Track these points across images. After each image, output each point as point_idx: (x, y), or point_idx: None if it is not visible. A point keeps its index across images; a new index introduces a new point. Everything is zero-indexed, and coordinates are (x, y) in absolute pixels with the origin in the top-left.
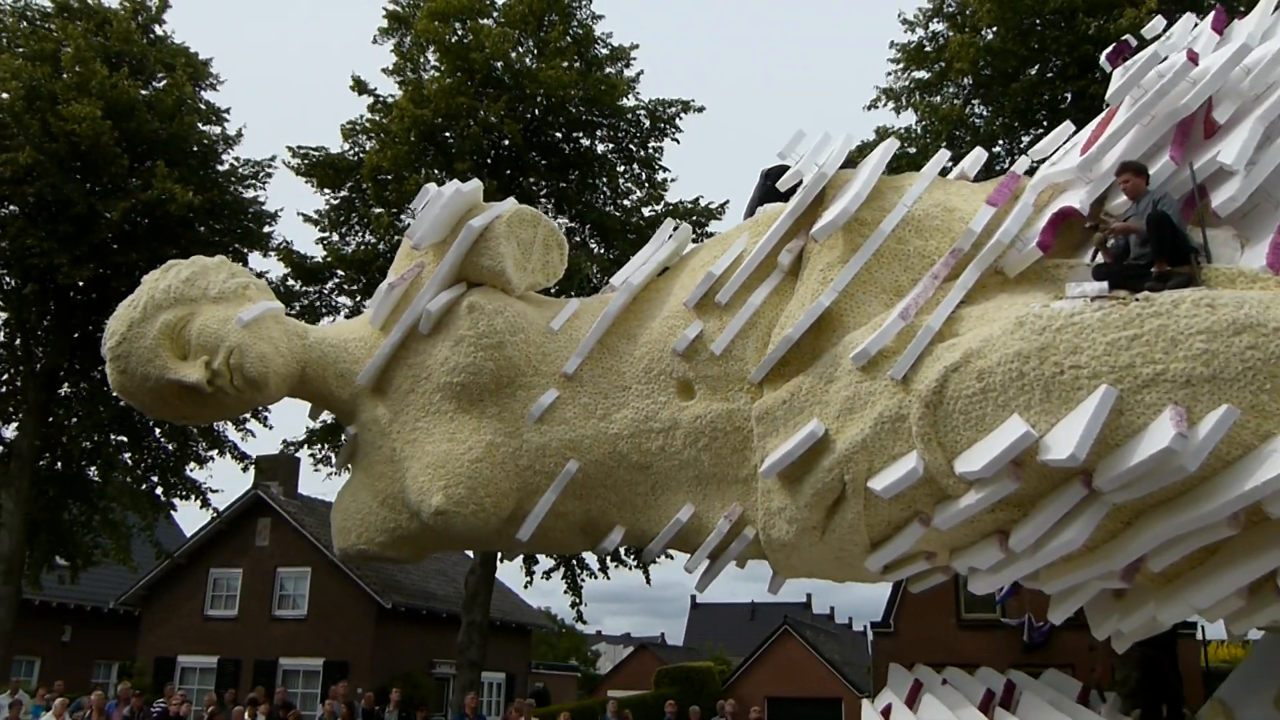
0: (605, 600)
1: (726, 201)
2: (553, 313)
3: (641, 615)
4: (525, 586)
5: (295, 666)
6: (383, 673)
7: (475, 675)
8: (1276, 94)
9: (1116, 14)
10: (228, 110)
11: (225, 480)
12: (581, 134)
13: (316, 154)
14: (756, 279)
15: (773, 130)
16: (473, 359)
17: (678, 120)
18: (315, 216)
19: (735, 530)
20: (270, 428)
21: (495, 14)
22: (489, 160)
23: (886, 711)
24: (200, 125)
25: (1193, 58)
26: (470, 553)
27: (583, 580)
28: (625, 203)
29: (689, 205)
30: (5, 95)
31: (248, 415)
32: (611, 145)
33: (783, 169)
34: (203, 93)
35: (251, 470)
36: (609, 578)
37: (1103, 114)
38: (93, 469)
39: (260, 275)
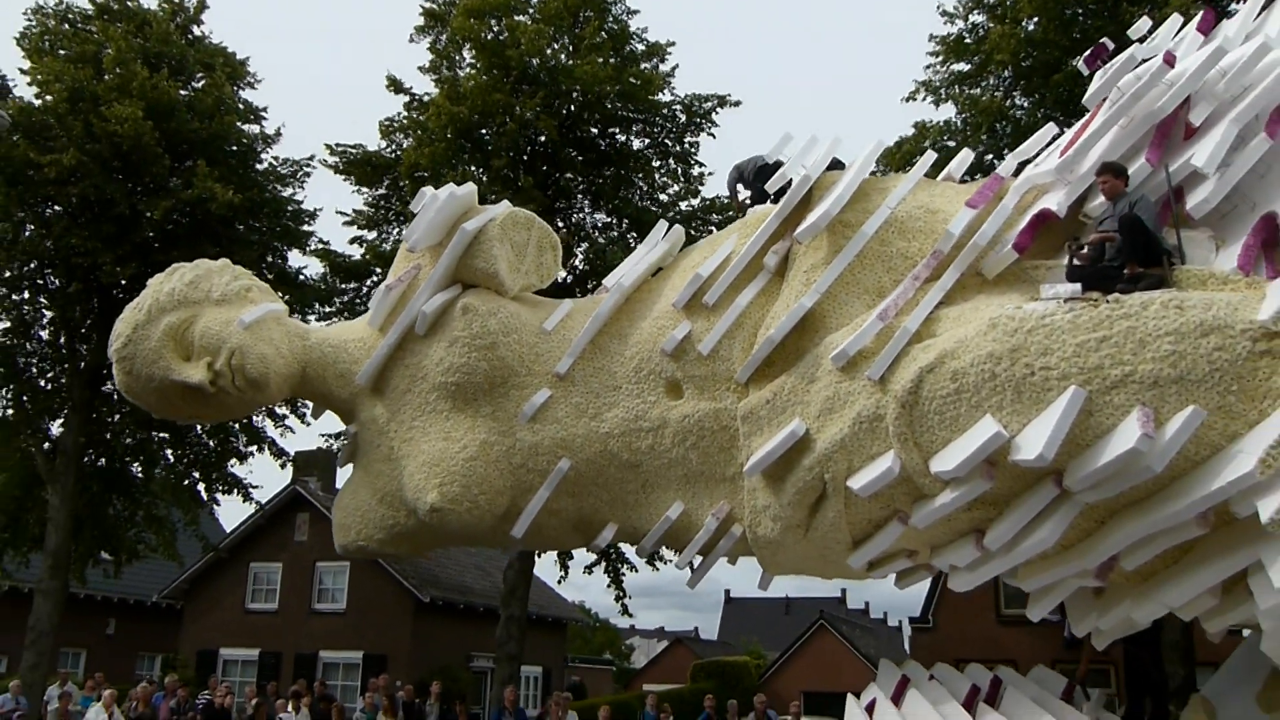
0: (638, 594)
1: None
2: (546, 313)
3: (675, 609)
4: (560, 582)
5: (335, 659)
6: (421, 666)
7: (514, 669)
8: (1251, 96)
9: (1161, 1)
10: (265, 109)
11: (264, 476)
12: (617, 130)
13: (354, 152)
14: (744, 280)
15: (809, 124)
16: (467, 359)
17: (714, 115)
18: (352, 215)
19: (723, 528)
20: (308, 424)
21: (530, 10)
22: (525, 157)
23: (871, 707)
24: (239, 124)
25: (1169, 60)
26: None
27: (624, 574)
28: (662, 197)
29: (725, 200)
30: (49, 97)
31: (286, 412)
32: (647, 141)
33: (776, 165)
34: (241, 92)
35: (290, 466)
36: (656, 569)
37: (1086, 116)
38: (136, 465)
39: (299, 273)
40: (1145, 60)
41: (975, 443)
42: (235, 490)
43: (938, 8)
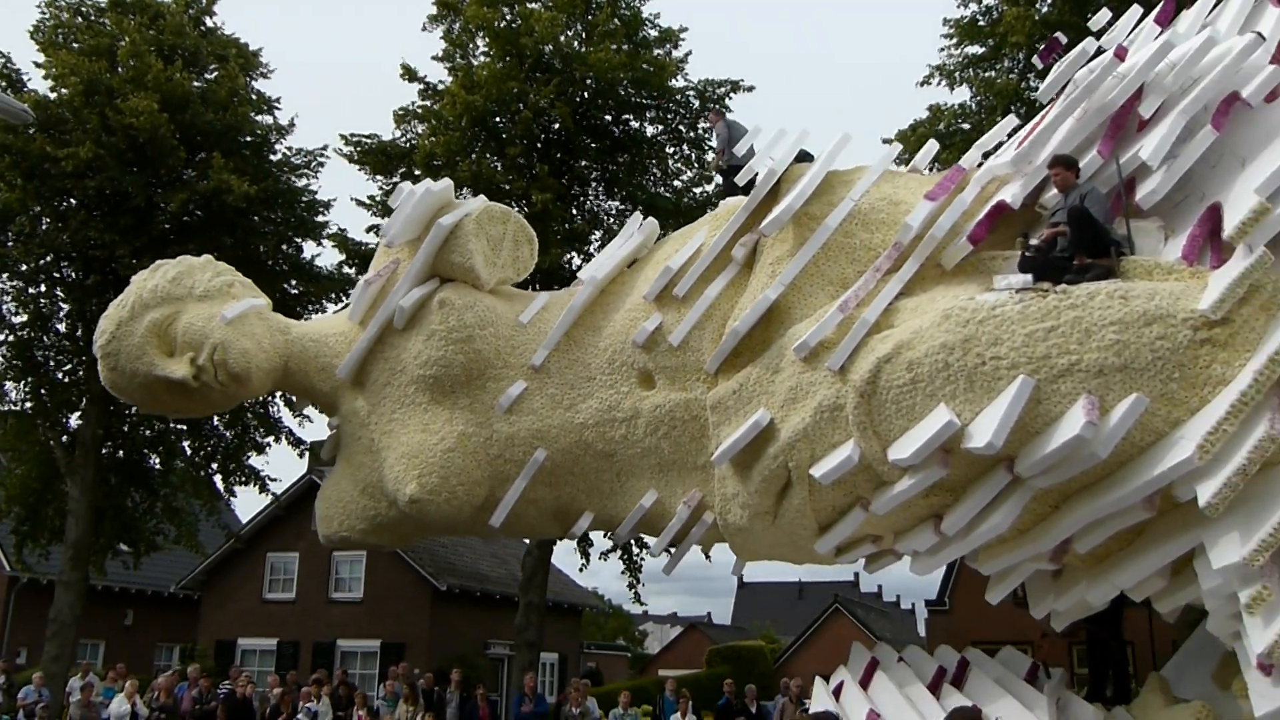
0: (650, 580)
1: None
2: (523, 306)
3: (686, 594)
4: (580, 570)
5: (353, 648)
6: (438, 654)
7: (534, 655)
8: (1197, 89)
9: None
10: (278, 99)
11: (280, 467)
12: (631, 116)
13: (369, 141)
14: (713, 272)
15: (824, 108)
16: (444, 352)
17: (727, 100)
18: (368, 201)
19: (695, 515)
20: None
21: None
22: (540, 144)
23: (839, 690)
24: (253, 115)
25: (1120, 54)
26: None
27: (640, 560)
28: (676, 183)
29: (739, 186)
30: (65, 91)
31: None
32: (661, 127)
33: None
34: (254, 83)
35: (307, 456)
36: (669, 554)
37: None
38: (154, 457)
39: (312, 263)
40: (1099, 53)
41: (930, 431)
42: (252, 482)
43: None
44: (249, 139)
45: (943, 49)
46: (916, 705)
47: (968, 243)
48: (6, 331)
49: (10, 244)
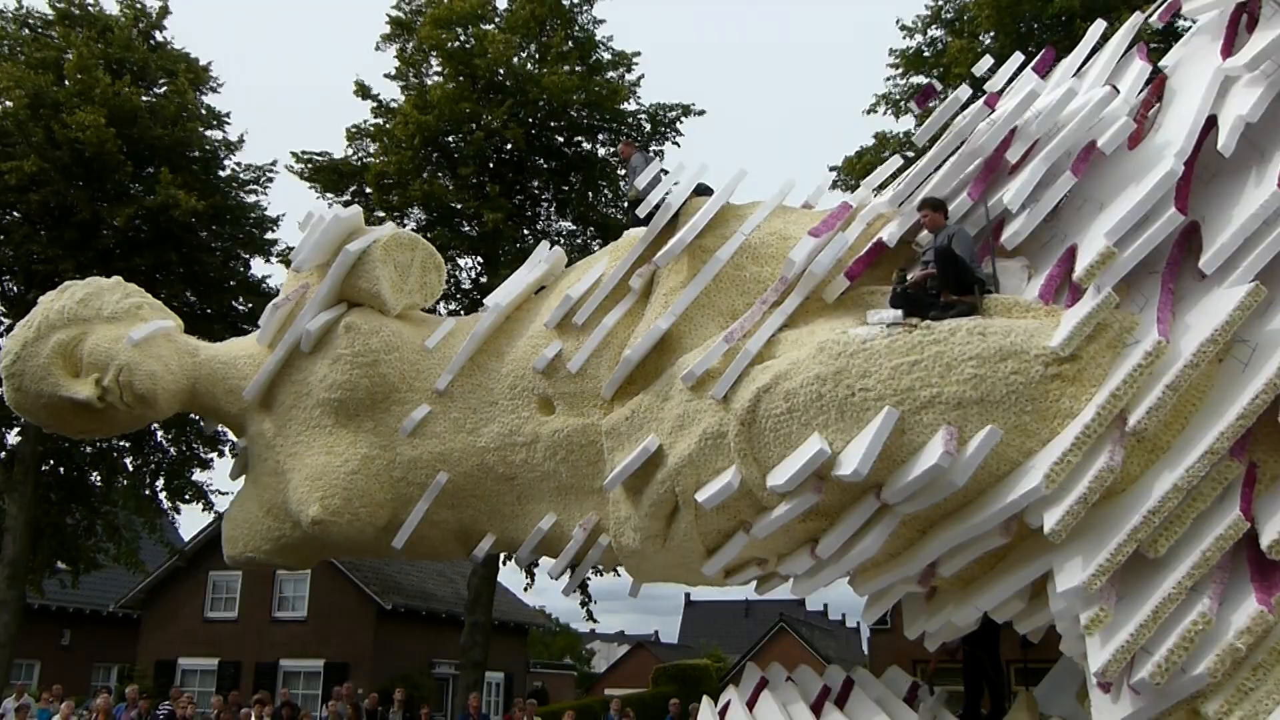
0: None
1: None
2: (430, 331)
3: (635, 613)
4: (526, 589)
5: (296, 668)
6: (383, 673)
7: (479, 675)
8: (1059, 136)
9: (1115, 19)
10: (228, 114)
11: (225, 482)
12: (583, 138)
13: (320, 159)
14: (611, 301)
15: (773, 132)
16: (349, 376)
17: (678, 124)
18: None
19: (591, 538)
20: None
21: (498, 20)
22: (492, 165)
23: (724, 710)
24: (202, 130)
25: (990, 102)
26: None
27: (588, 578)
28: (626, 204)
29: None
30: (9, 103)
31: None
32: (613, 149)
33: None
34: (203, 97)
35: None
36: (617, 574)
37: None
38: (95, 474)
39: (262, 280)
40: (971, 99)
41: (803, 458)
42: (197, 499)
43: (897, 22)
44: (197, 154)
45: (889, 78)
46: None
47: (845, 278)
48: None
49: None
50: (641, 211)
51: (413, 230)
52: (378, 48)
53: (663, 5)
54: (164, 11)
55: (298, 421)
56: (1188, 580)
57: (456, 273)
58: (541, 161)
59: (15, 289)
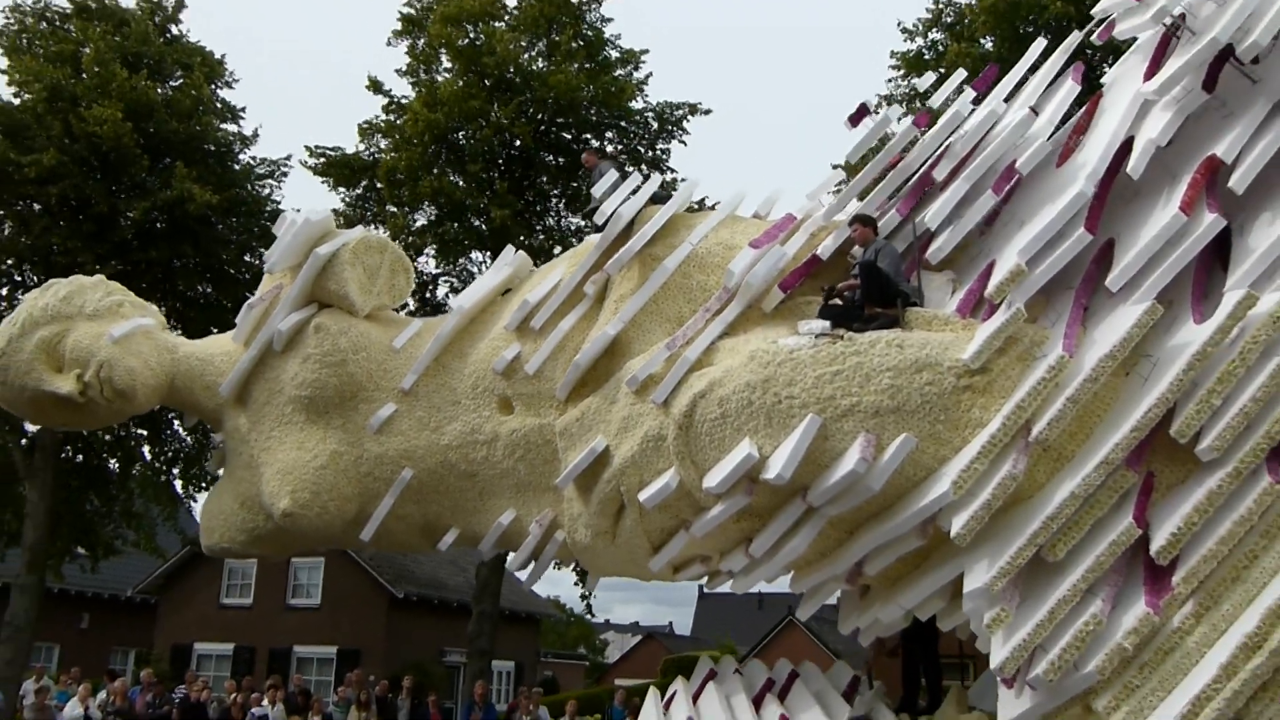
0: (614, 589)
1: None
2: (398, 331)
3: (650, 604)
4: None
5: (309, 654)
6: (394, 661)
7: (485, 664)
8: (980, 156)
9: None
10: (243, 109)
11: None
12: (591, 135)
13: (333, 154)
14: (567, 306)
15: (780, 129)
16: (318, 375)
17: (684, 123)
18: (331, 214)
19: (548, 534)
20: None
21: (507, 19)
22: (500, 161)
23: (669, 701)
24: (217, 124)
25: (919, 122)
26: None
27: None
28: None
29: (694, 207)
30: (28, 96)
31: None
32: (620, 146)
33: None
34: (219, 91)
35: None
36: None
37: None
38: (113, 461)
39: None
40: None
41: (734, 462)
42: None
43: (898, 25)
44: (212, 148)
45: (890, 80)
46: (734, 713)
47: (778, 290)
48: None
49: None
50: (598, 219)
51: (423, 226)
52: (389, 43)
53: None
54: (180, 5)
55: (270, 417)
56: (1083, 583)
57: (469, 265)
58: (550, 158)
59: (35, 279)
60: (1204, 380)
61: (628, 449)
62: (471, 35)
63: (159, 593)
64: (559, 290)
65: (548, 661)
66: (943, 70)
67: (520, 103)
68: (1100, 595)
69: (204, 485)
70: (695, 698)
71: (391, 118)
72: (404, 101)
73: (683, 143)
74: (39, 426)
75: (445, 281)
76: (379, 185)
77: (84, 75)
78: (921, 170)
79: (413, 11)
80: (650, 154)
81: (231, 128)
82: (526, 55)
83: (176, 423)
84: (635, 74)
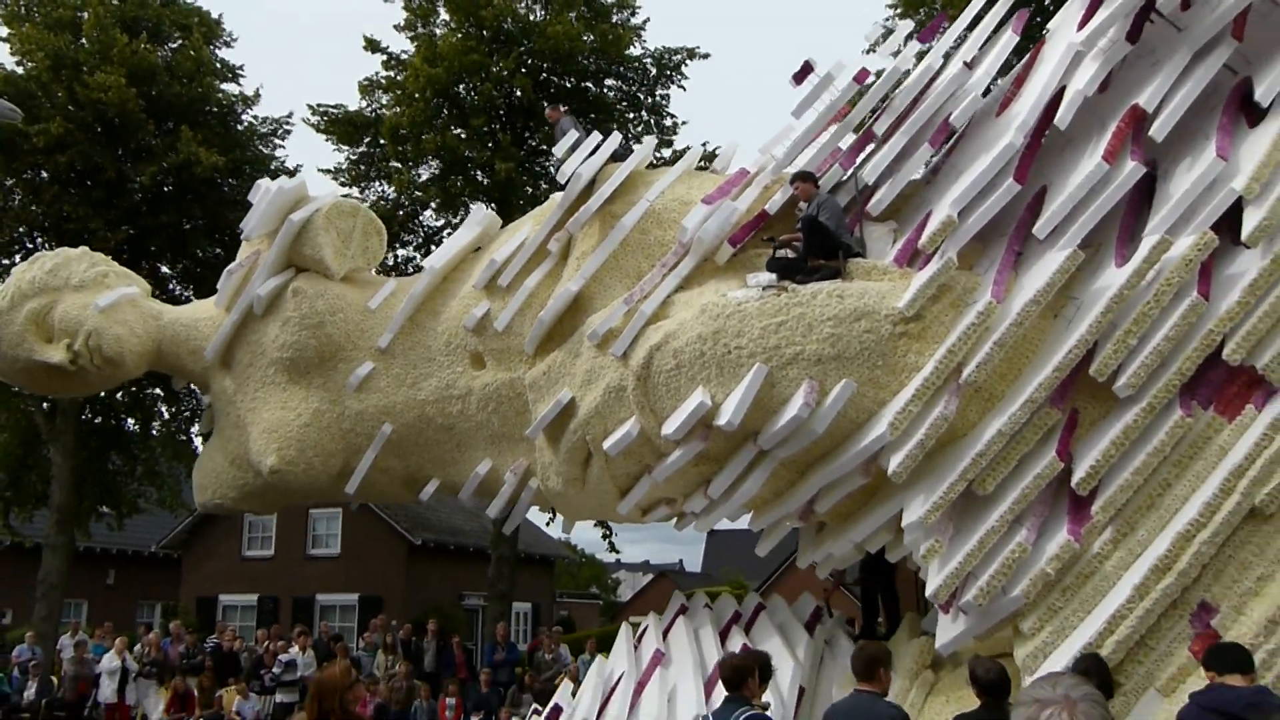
0: (623, 529)
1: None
2: (373, 292)
3: (659, 542)
4: (548, 524)
5: (331, 602)
6: (415, 606)
7: (506, 606)
8: (918, 111)
9: None
10: (242, 68)
11: None
12: (590, 84)
13: (335, 111)
14: (533, 264)
15: (777, 71)
16: (297, 337)
17: (683, 68)
18: (334, 170)
19: (522, 481)
20: None
21: None
22: (502, 114)
23: (641, 635)
24: (219, 84)
25: (860, 77)
26: None
27: None
28: (636, 147)
29: (704, 163)
30: (31, 65)
31: None
32: (620, 94)
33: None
34: (217, 51)
35: None
36: None
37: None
38: (132, 421)
39: None
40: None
41: (688, 409)
42: None
43: None
44: (215, 109)
45: (888, 19)
46: (700, 645)
47: (731, 245)
48: None
49: None
50: (561, 178)
51: (427, 180)
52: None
53: None
54: None
55: (254, 379)
56: (1009, 514)
57: None
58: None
59: (48, 247)
60: (1121, 321)
61: (591, 400)
62: None
63: (182, 548)
64: (524, 248)
65: (563, 602)
66: (937, 10)
67: (519, 54)
68: (1026, 525)
69: None
70: (666, 632)
71: (392, 74)
72: (404, 57)
73: (682, 88)
74: (34, 392)
75: (449, 234)
76: (382, 141)
77: (84, 42)
78: (864, 125)
79: None
80: (650, 100)
81: (233, 88)
82: (524, 4)
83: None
84: (632, 19)
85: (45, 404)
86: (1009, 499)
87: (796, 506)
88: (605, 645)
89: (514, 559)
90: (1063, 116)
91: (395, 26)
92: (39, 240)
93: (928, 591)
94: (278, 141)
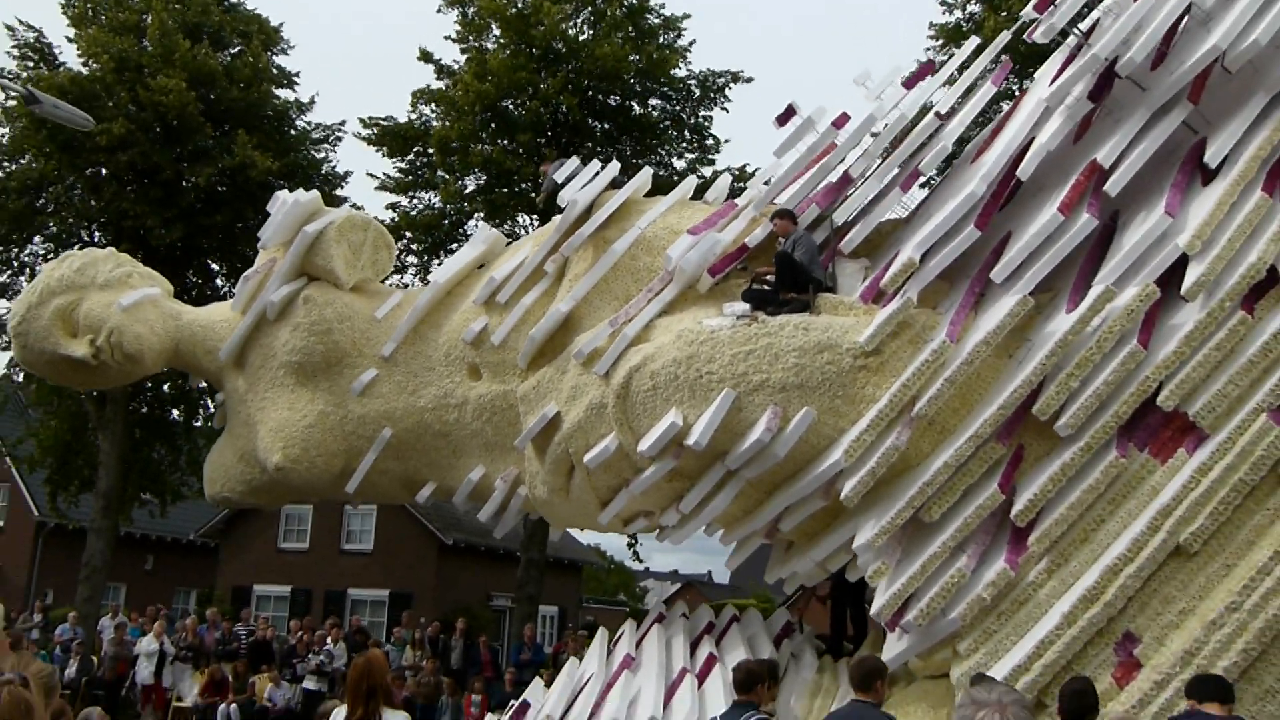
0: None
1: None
2: (380, 302)
3: (689, 553)
4: (581, 528)
5: (362, 596)
6: (444, 604)
7: (533, 609)
8: (895, 153)
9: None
10: (298, 74)
11: None
12: (634, 103)
13: (386, 124)
14: (530, 283)
15: (820, 96)
16: (306, 342)
17: (727, 90)
18: (383, 178)
19: (512, 489)
20: None
21: None
22: (548, 130)
23: (617, 640)
24: (275, 90)
25: (839, 123)
26: None
27: None
28: (679, 164)
29: (735, 172)
30: (96, 66)
31: None
32: (663, 113)
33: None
34: (274, 58)
35: None
36: None
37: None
38: (176, 412)
39: None
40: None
41: (662, 428)
42: None
43: None
44: (270, 114)
45: (929, 49)
46: (671, 651)
47: (711, 275)
48: None
49: (49, 209)
50: (562, 201)
51: (472, 190)
52: (440, 11)
53: None
54: None
55: (265, 380)
56: (951, 541)
57: (515, 230)
58: (595, 124)
59: (105, 241)
60: (1065, 364)
61: (575, 415)
62: (520, 5)
63: (219, 537)
64: (522, 268)
65: (590, 607)
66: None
67: (566, 73)
68: (967, 552)
69: None
70: (641, 640)
71: (443, 85)
72: (454, 67)
73: (724, 109)
74: (57, 384)
75: None
76: (430, 152)
77: (147, 45)
78: (841, 167)
79: None
80: (693, 121)
81: (288, 94)
82: (573, 25)
83: None
84: (678, 40)
85: (96, 393)
86: (952, 527)
87: (763, 524)
88: None
89: (543, 563)
90: (1025, 168)
91: (447, 38)
92: (97, 235)
93: (873, 610)
94: (329, 147)
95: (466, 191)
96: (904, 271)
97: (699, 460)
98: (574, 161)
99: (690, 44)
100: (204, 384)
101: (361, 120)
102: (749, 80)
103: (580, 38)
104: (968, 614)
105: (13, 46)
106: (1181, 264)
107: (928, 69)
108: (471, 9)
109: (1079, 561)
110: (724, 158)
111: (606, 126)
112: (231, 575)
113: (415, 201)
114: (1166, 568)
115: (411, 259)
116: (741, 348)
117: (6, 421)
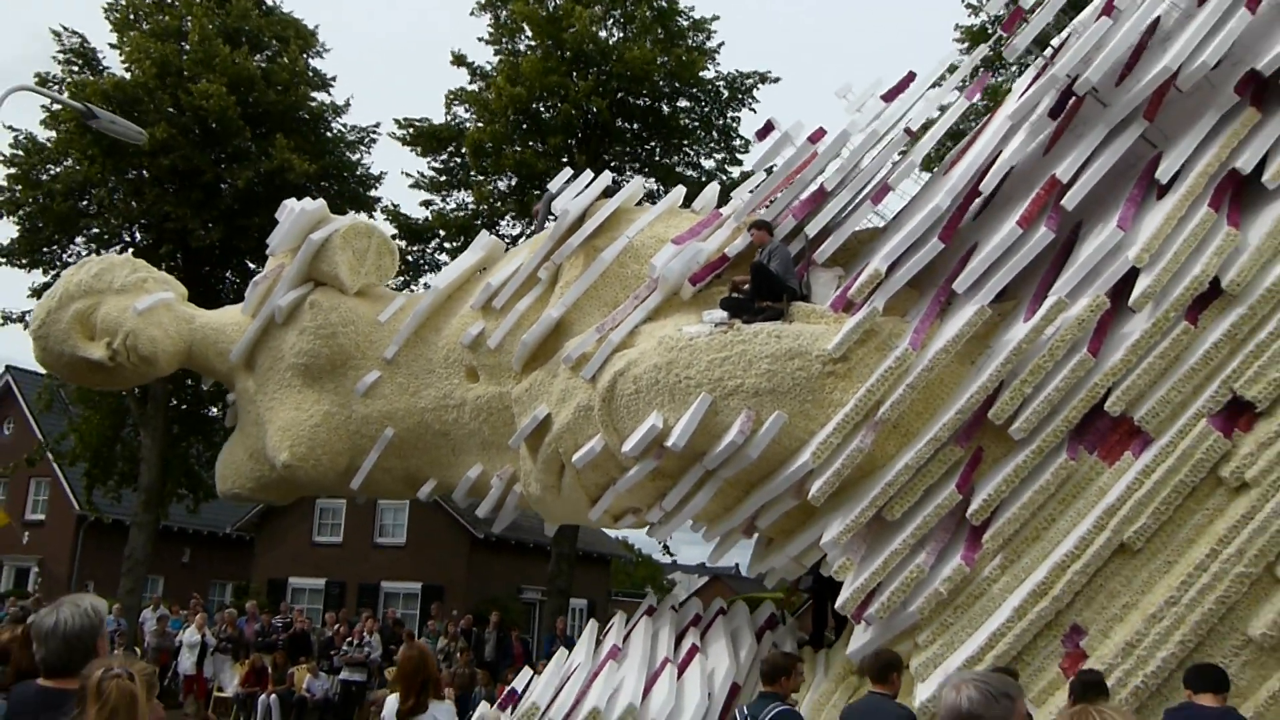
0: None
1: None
2: (383, 307)
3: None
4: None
5: (396, 589)
6: (475, 597)
7: (563, 602)
8: (865, 166)
9: None
10: (333, 78)
11: None
12: (664, 104)
13: (421, 125)
14: (525, 289)
15: (839, 104)
16: (313, 345)
17: (754, 91)
18: (418, 177)
19: (508, 486)
20: None
21: None
22: (579, 132)
23: (607, 631)
24: (311, 93)
25: (815, 138)
26: None
27: None
28: (707, 164)
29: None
30: (139, 71)
31: None
32: (692, 114)
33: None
34: (311, 61)
35: None
36: None
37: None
38: (214, 409)
39: None
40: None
41: (644, 430)
42: None
43: (963, 0)
44: (307, 116)
45: (959, 50)
46: (656, 642)
47: (692, 284)
48: None
49: (92, 211)
50: (556, 209)
51: (504, 191)
52: (473, 13)
53: None
54: None
55: (273, 381)
56: (911, 538)
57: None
58: (625, 126)
59: (146, 242)
60: (1020, 371)
61: (564, 416)
62: (552, 8)
63: (255, 530)
64: (517, 275)
65: (619, 600)
66: (1003, 41)
67: (597, 75)
68: (927, 549)
69: None
70: (630, 631)
71: (476, 87)
72: (487, 68)
73: (752, 110)
74: (76, 384)
75: (526, 242)
76: (464, 152)
77: (187, 50)
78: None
79: None
80: (721, 121)
81: (324, 97)
82: (603, 29)
83: None
84: (707, 42)
85: (138, 390)
86: (912, 525)
87: (741, 521)
88: None
89: (573, 556)
90: (988, 183)
91: (479, 39)
92: (138, 236)
93: (837, 603)
94: (364, 149)
95: (498, 191)
96: (870, 282)
97: (679, 460)
98: (566, 172)
99: (719, 46)
100: (203, 386)
101: (396, 121)
102: (776, 80)
103: (610, 40)
104: (926, 607)
105: (59, 52)
106: (1133, 275)
107: (906, 82)
108: (504, 12)
109: (1030, 558)
110: (750, 158)
111: (635, 128)
112: (267, 568)
113: (448, 201)
114: (1112, 564)
115: (444, 257)
116: (718, 354)
117: (50, 419)
